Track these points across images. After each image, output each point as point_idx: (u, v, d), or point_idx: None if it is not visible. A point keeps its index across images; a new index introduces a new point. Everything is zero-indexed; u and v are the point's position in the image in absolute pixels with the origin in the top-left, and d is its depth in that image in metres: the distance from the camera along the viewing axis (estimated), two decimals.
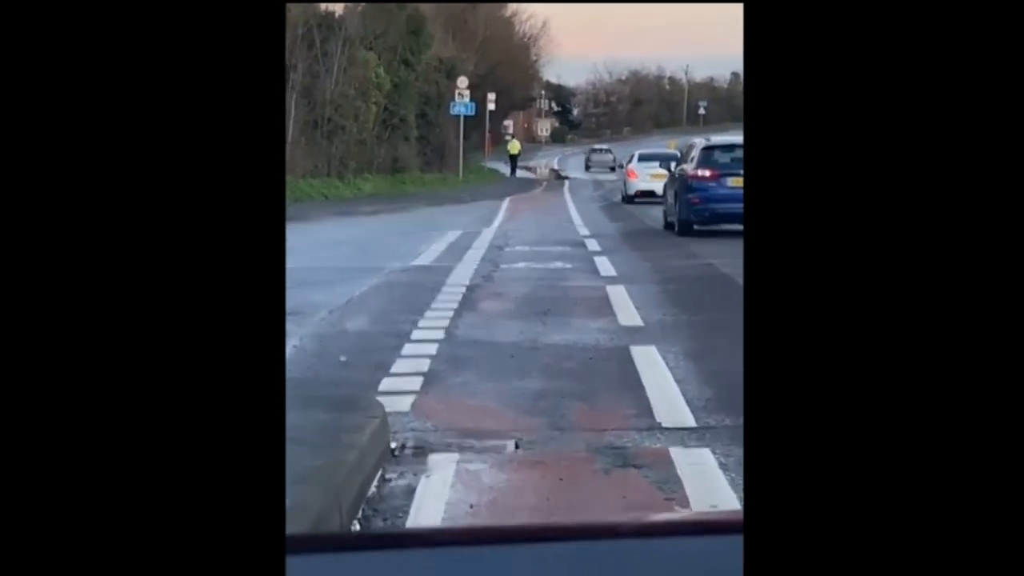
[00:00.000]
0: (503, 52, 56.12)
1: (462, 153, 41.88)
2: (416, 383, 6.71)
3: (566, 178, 49.40)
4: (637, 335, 8.46)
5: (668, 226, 18.76)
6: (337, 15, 33.85)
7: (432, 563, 1.51)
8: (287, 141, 26.37)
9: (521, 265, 14.05)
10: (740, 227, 14.01)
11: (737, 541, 1.05)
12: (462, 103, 39.97)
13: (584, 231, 19.79)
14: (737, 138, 19.28)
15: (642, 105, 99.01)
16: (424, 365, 7.29)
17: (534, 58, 67.57)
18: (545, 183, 45.85)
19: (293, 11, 29.81)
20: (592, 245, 16.49)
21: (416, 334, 8.51)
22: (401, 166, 37.19)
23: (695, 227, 18.26)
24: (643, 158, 31.49)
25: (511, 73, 58.76)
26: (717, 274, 12.11)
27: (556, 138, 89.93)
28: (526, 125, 75.63)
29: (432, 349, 7.88)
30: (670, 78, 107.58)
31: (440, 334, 8.55)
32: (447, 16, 47.33)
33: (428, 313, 9.62)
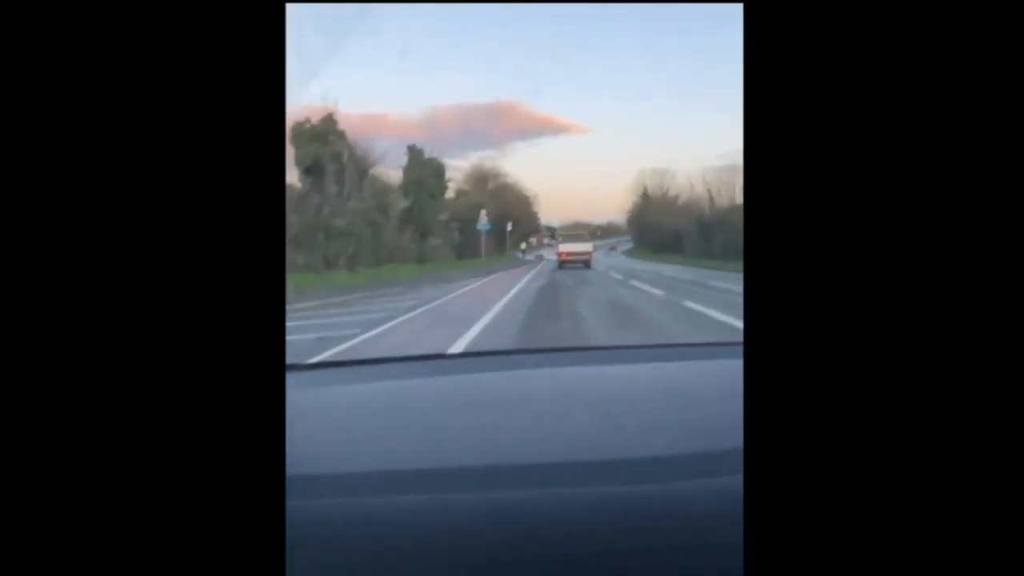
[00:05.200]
0: (512, 202, 57.70)
1: (483, 247, 41.41)
2: None
3: (542, 259, 47.76)
4: None
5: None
6: (361, 154, 28.66)
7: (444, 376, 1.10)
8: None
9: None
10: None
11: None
12: (483, 223, 40.56)
13: (506, 298, 13.59)
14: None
15: None
16: None
17: (534, 209, 72.12)
18: (530, 263, 42.48)
19: (316, 149, 23.66)
20: (484, 320, 10.29)
21: None
22: (428, 257, 34.27)
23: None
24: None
25: (520, 213, 60.29)
26: None
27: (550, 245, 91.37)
28: (538, 239, 78.43)
29: None
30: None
31: None
32: (472, 176, 50.52)
33: None
